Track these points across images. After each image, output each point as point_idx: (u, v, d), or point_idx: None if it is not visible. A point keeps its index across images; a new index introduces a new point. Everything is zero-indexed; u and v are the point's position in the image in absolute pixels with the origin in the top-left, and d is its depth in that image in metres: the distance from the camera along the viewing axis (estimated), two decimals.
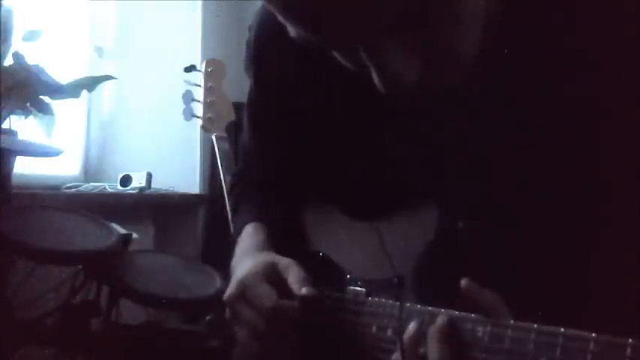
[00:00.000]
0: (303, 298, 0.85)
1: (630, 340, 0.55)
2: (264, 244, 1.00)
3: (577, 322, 0.61)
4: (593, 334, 0.58)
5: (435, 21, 0.66)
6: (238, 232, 1.06)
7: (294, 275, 0.88)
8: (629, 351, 0.54)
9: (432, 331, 0.72)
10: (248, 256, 0.98)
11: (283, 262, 0.90)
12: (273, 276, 0.89)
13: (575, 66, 0.76)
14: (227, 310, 0.92)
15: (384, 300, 0.84)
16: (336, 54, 0.72)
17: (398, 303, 0.80)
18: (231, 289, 0.91)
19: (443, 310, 0.74)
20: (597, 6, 0.75)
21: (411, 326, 0.75)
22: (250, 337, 0.90)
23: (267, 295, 0.87)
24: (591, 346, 0.57)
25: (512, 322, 0.66)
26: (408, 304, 0.79)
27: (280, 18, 0.68)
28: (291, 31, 0.68)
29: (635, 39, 0.74)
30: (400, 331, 0.77)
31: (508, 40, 0.76)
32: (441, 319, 0.72)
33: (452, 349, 0.70)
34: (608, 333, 0.57)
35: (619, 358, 0.55)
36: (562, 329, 0.60)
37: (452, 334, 0.71)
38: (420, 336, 0.73)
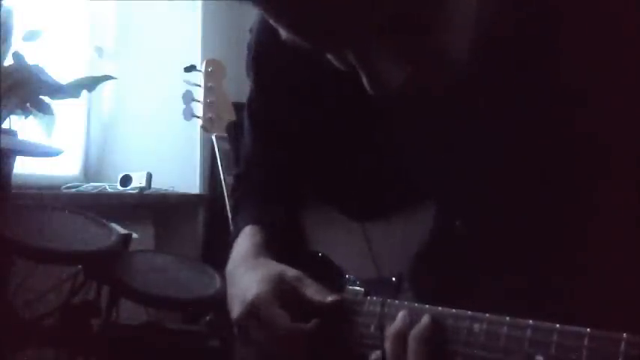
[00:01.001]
0: (330, 306, 0.86)
1: (625, 334, 0.55)
2: (260, 248, 0.99)
3: (574, 319, 0.61)
4: (588, 330, 0.58)
5: (425, 24, 0.66)
6: (236, 234, 1.06)
7: (310, 288, 0.88)
8: (623, 346, 0.55)
9: (414, 332, 0.72)
10: (247, 264, 0.97)
11: (290, 273, 0.90)
12: (283, 293, 0.88)
13: (570, 66, 0.76)
14: (235, 329, 0.92)
15: (382, 299, 0.84)
16: (328, 56, 0.73)
17: (397, 302, 0.81)
18: (241, 310, 0.90)
19: (440, 307, 0.74)
20: (592, 7, 0.75)
21: (397, 321, 0.75)
22: (259, 358, 0.90)
23: (280, 319, 0.86)
24: (586, 341, 0.58)
25: (507, 318, 0.66)
26: (406, 303, 0.79)
27: (271, 21, 0.68)
28: (282, 34, 0.69)
29: (631, 37, 0.74)
30: (382, 327, 0.77)
31: (501, 41, 0.77)
32: (424, 320, 0.72)
33: (432, 350, 0.71)
34: (605, 329, 0.58)
35: (614, 353, 0.55)
36: (557, 325, 0.61)
37: (433, 335, 0.71)
38: (405, 333, 0.73)
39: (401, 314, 0.75)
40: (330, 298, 0.86)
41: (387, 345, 0.74)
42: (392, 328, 0.75)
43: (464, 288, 0.81)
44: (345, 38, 0.66)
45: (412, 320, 0.74)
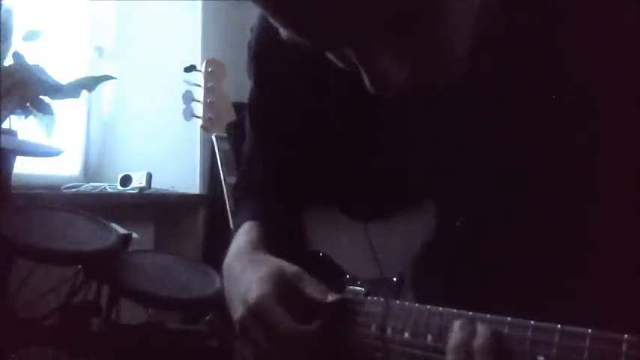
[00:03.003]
0: (331, 305, 0.85)
1: (626, 335, 0.55)
2: (258, 244, 0.99)
3: (576, 319, 0.61)
4: (590, 330, 0.58)
5: (425, 22, 0.66)
6: (236, 231, 1.05)
7: (310, 285, 0.87)
8: (625, 347, 0.55)
9: (480, 346, 0.68)
10: (245, 259, 0.96)
11: (290, 270, 0.89)
12: (284, 292, 0.87)
13: (571, 66, 0.76)
14: (237, 329, 0.91)
15: (382, 299, 0.84)
16: (328, 55, 0.72)
17: (398, 302, 0.81)
18: (243, 311, 0.89)
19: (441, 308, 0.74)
20: (593, 6, 0.75)
21: (457, 331, 0.70)
22: (262, 358, 0.90)
23: (282, 320, 0.85)
24: (588, 342, 0.58)
25: (509, 318, 0.66)
26: (407, 303, 0.79)
27: (271, 20, 0.68)
28: (283, 33, 0.68)
29: (632, 37, 0.74)
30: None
31: (503, 37, 0.77)
32: (484, 330, 0.68)
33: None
34: (606, 330, 0.58)
35: (615, 353, 0.55)
36: (558, 325, 0.61)
37: (500, 347, 0.67)
38: (469, 344, 0.69)
39: (459, 324, 0.71)
40: (330, 298, 0.85)
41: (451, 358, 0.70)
42: (454, 340, 0.70)
43: (464, 288, 0.80)
44: (346, 37, 0.66)
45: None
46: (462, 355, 0.69)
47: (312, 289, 0.87)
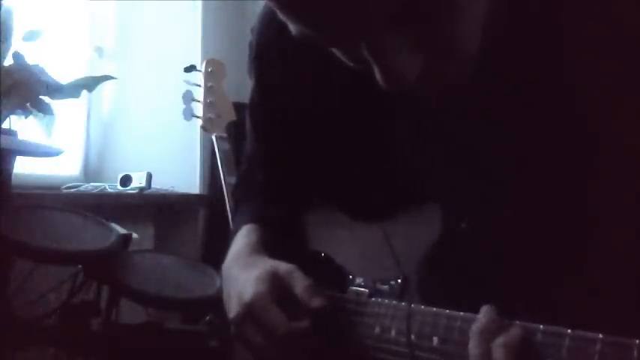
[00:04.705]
0: (316, 310, 0.85)
1: (637, 340, 0.55)
2: (257, 246, 0.99)
3: (582, 322, 0.61)
4: (600, 335, 0.57)
5: (438, 18, 0.66)
6: (235, 233, 1.05)
7: (299, 284, 0.87)
8: (636, 352, 0.54)
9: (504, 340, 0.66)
10: (242, 262, 0.97)
11: (283, 268, 0.89)
12: (278, 290, 0.87)
13: (582, 62, 0.76)
14: (232, 329, 0.91)
15: (386, 301, 0.83)
16: (337, 52, 0.72)
17: (403, 303, 0.80)
18: (237, 310, 0.89)
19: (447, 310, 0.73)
20: (600, 7, 0.75)
21: (483, 319, 0.68)
22: (259, 357, 0.89)
23: (278, 320, 0.85)
24: (598, 346, 0.57)
25: (517, 322, 0.66)
26: (413, 305, 0.79)
27: (281, 15, 0.68)
28: (293, 28, 0.68)
29: (636, 38, 0.74)
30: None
31: (513, 35, 0.76)
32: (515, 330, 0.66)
33: None
34: (615, 334, 0.57)
35: (626, 359, 0.55)
36: (568, 330, 0.60)
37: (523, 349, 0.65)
38: (492, 335, 0.67)
39: (485, 310, 0.69)
40: (315, 304, 0.85)
41: (474, 345, 0.67)
42: (477, 327, 0.68)
43: (469, 289, 0.80)
44: (359, 30, 0.66)
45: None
46: (484, 343, 0.66)
47: (302, 288, 0.86)
